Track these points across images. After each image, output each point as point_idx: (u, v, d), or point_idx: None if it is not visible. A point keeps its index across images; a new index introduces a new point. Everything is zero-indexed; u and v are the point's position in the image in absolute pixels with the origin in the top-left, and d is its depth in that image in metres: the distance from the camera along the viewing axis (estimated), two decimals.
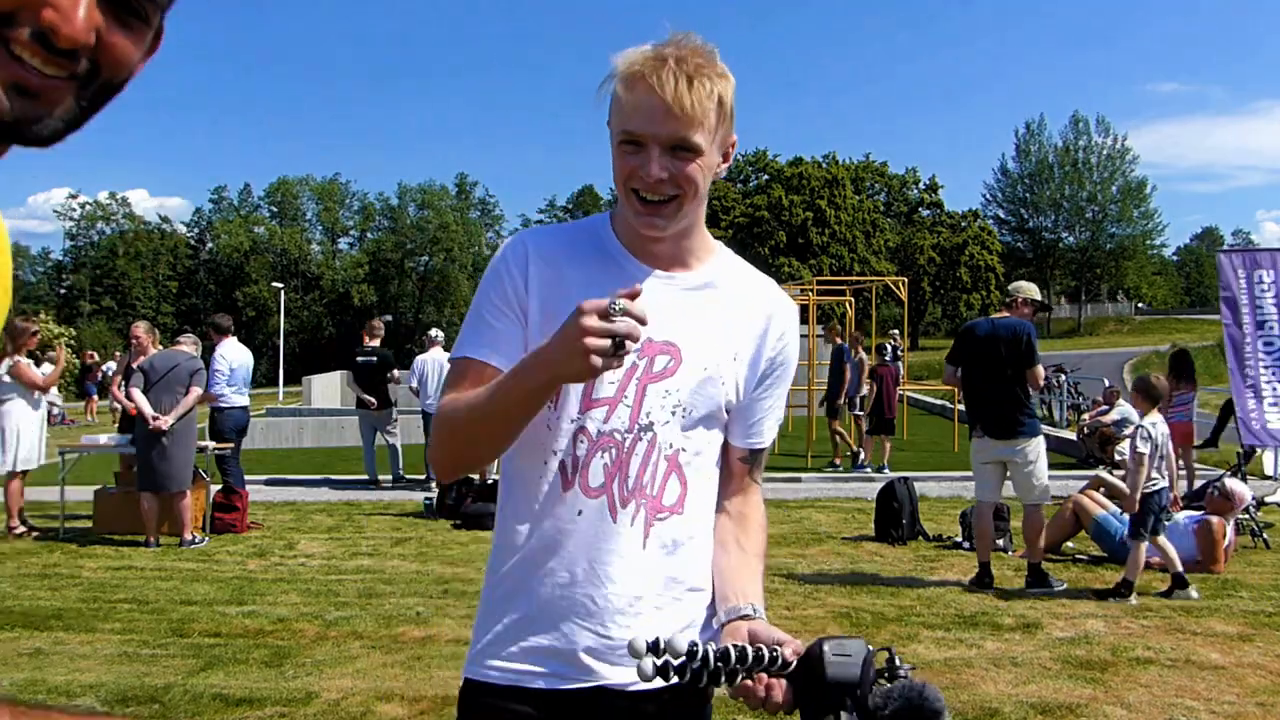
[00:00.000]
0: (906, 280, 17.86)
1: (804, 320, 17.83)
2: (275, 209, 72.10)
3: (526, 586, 1.40)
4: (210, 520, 8.15)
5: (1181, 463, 9.90)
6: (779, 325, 1.52)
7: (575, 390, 1.38)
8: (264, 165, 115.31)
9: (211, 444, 8.53)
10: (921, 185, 68.59)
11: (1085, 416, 13.20)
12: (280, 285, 46.07)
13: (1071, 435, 13.51)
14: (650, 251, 1.44)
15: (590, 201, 74.57)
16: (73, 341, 35.67)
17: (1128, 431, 6.02)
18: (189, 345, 8.06)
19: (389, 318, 34.72)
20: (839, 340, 13.35)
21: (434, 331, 10.81)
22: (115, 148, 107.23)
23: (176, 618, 5.48)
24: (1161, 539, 5.83)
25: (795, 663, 1.20)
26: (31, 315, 9.03)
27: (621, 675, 1.38)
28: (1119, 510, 6.84)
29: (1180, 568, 5.94)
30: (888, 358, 13.48)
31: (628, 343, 1.19)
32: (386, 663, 4.63)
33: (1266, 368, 8.40)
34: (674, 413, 1.41)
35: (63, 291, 68.40)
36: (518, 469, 1.45)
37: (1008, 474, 6.23)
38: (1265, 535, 7.45)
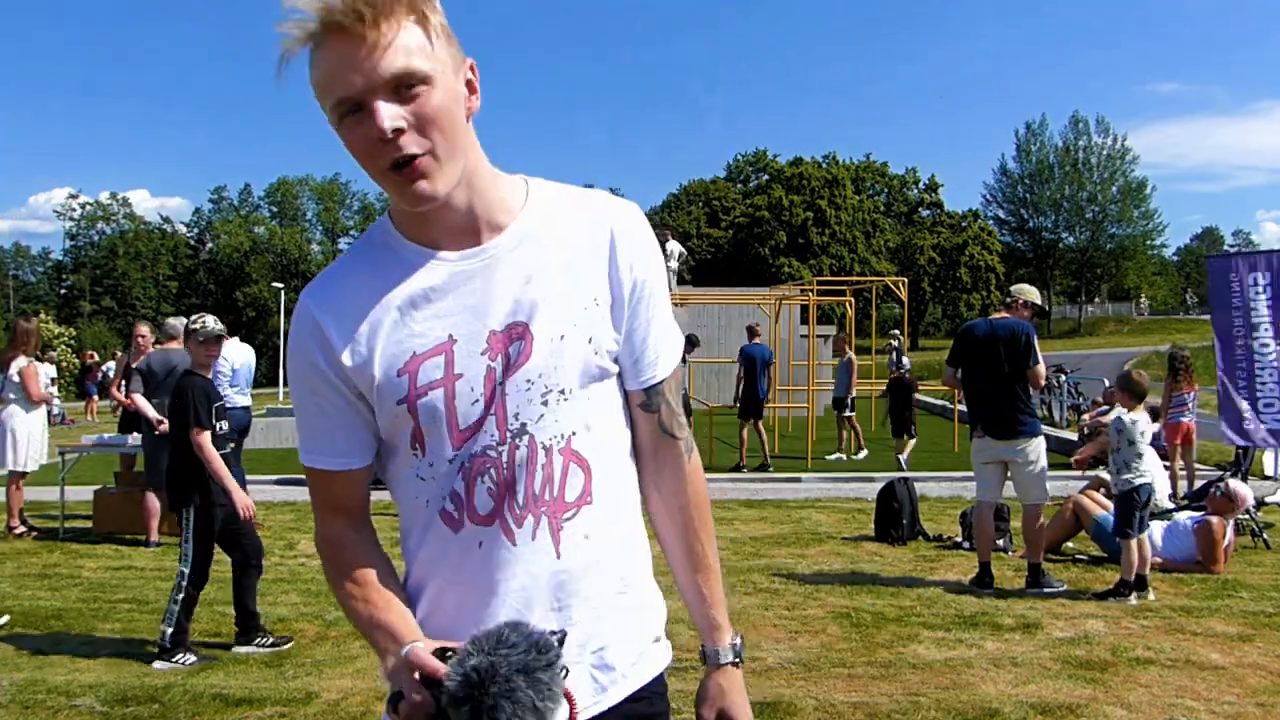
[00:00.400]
0: (906, 280, 17.88)
1: (804, 320, 17.88)
2: (275, 209, 72.14)
3: (449, 636, 1.19)
4: None
5: (1182, 462, 9.93)
6: (625, 241, 1.29)
7: (441, 431, 1.21)
8: (264, 165, 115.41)
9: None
10: (921, 185, 68.65)
11: (1085, 417, 13.20)
12: (280, 285, 46.01)
13: (1072, 435, 13.51)
14: (442, 230, 1.22)
15: None
16: (73, 341, 35.70)
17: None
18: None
19: None
20: (847, 351, 13.41)
21: None
22: (115, 148, 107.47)
23: None
24: (1133, 541, 5.80)
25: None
26: (31, 315, 9.02)
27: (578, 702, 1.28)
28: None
29: (1135, 573, 5.85)
30: (904, 369, 13.53)
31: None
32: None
33: (1261, 369, 8.41)
34: (545, 401, 1.22)
35: (63, 291, 68.43)
36: (406, 521, 1.29)
37: (1008, 474, 6.23)
38: (1265, 535, 7.45)
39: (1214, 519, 6.63)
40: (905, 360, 13.72)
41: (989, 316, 6.54)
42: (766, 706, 3.92)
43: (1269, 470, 10.45)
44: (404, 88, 1.11)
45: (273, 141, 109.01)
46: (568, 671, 1.05)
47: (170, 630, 4.71)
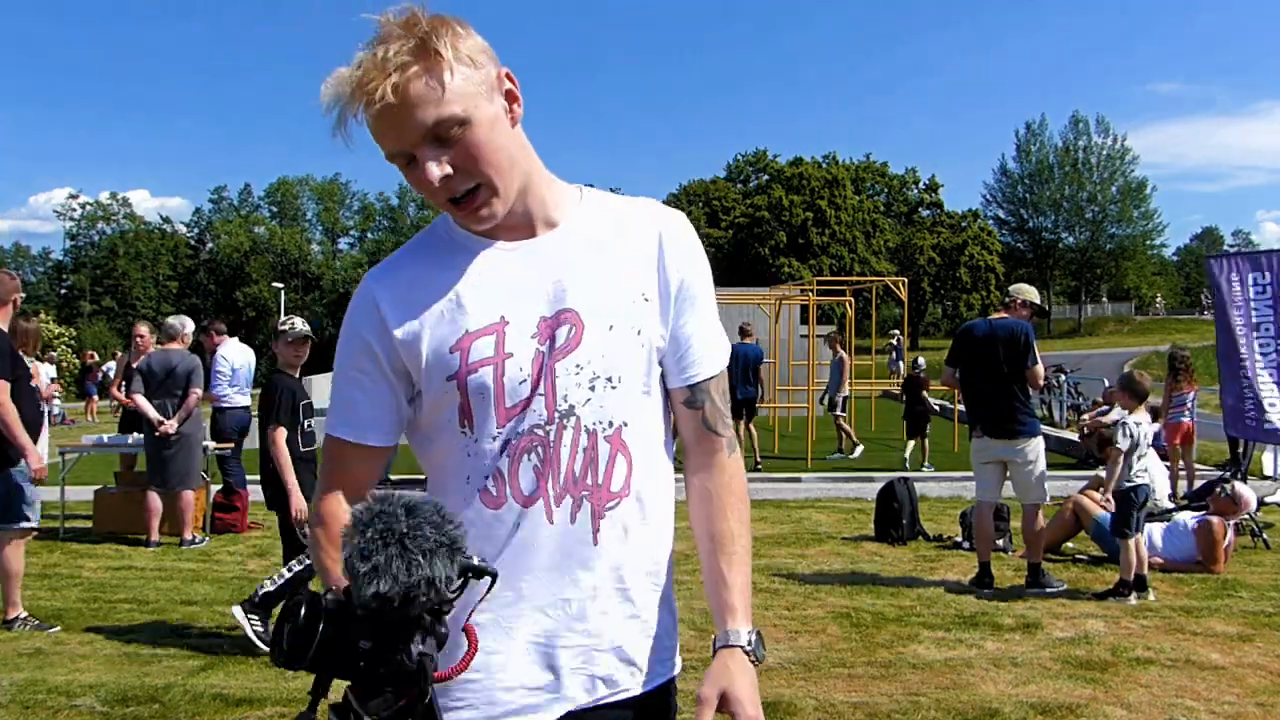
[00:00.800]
0: (906, 280, 17.89)
1: (804, 320, 17.89)
2: (275, 209, 72.12)
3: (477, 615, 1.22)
4: (210, 520, 8.17)
5: (1182, 462, 9.93)
6: (673, 242, 1.36)
7: (489, 406, 1.25)
8: (264, 165, 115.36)
9: (212, 444, 8.54)
10: (921, 185, 68.66)
11: (1085, 417, 13.20)
12: (280, 285, 46.17)
13: (1072, 435, 13.51)
14: (500, 228, 1.29)
15: None
16: (73, 341, 35.70)
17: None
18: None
19: None
20: (840, 350, 13.39)
21: None
22: (115, 148, 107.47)
23: (176, 618, 5.48)
24: (1131, 541, 5.80)
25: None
26: (31, 315, 9.03)
27: (582, 691, 1.31)
28: None
29: (1134, 573, 5.85)
30: (919, 368, 13.52)
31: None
32: None
33: (1263, 369, 8.41)
34: (593, 387, 1.27)
35: (63, 291, 68.44)
36: (443, 495, 1.29)
37: (1007, 474, 6.23)
38: (1265, 535, 7.45)
39: (1214, 519, 6.63)
40: (920, 360, 13.73)
41: (988, 316, 6.54)
42: (766, 706, 3.90)
43: (1269, 470, 10.45)
44: (442, 135, 1.17)
45: (273, 141, 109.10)
46: (492, 579, 1.03)
47: (271, 590, 4.75)
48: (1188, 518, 6.90)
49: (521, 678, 1.28)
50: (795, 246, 60.22)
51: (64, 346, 34.32)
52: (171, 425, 7.40)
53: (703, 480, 1.41)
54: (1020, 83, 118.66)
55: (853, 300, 18.74)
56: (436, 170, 1.18)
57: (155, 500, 7.59)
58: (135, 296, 64.67)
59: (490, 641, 1.26)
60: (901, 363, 24.26)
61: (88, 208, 68.85)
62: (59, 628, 5.30)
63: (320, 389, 21.92)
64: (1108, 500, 6.20)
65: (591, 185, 1.41)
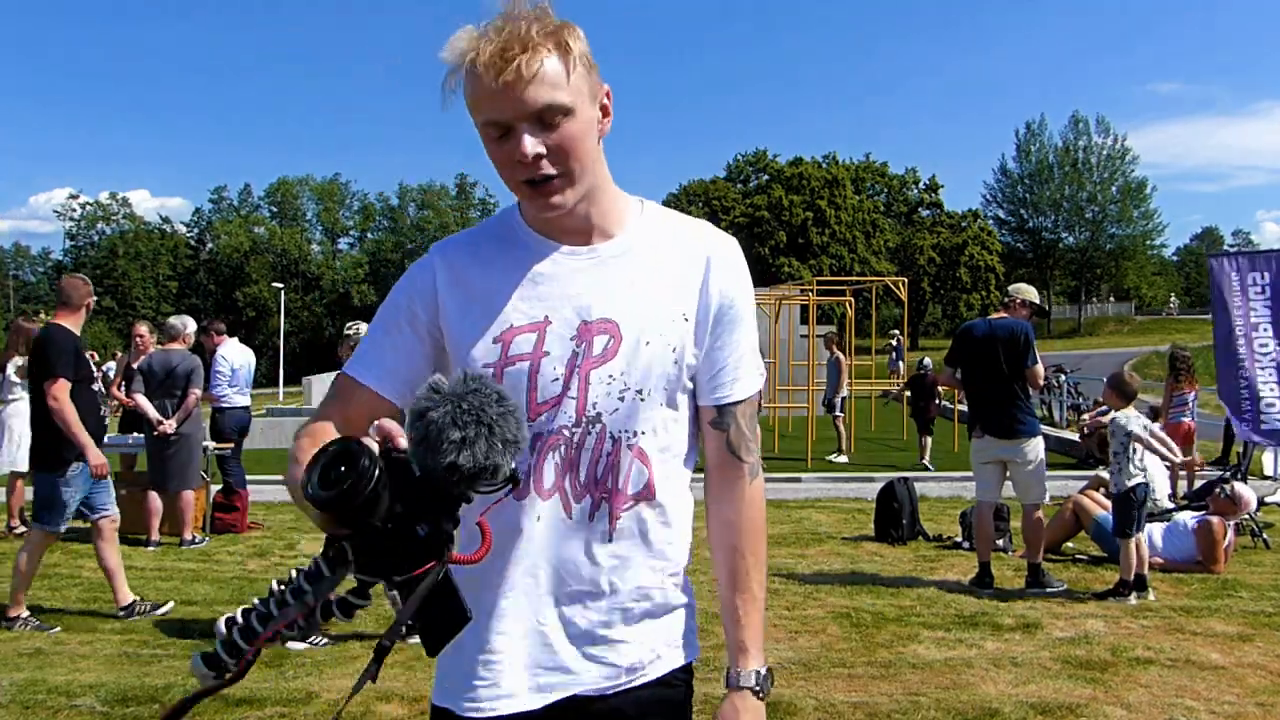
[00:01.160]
0: (906, 280, 17.89)
1: (804, 320, 17.89)
2: (275, 209, 72.13)
3: (486, 603, 1.31)
4: (210, 520, 8.16)
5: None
6: (720, 266, 1.39)
7: (520, 398, 1.29)
8: (264, 165, 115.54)
9: (212, 444, 8.54)
10: (921, 185, 68.65)
11: (1085, 416, 13.20)
12: (280, 285, 46.16)
13: (1072, 435, 13.51)
14: (561, 229, 1.35)
15: None
16: None
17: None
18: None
19: None
20: (836, 350, 13.39)
21: None
22: (115, 148, 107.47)
23: (176, 618, 5.48)
24: (1131, 541, 5.80)
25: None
26: (33, 315, 9.04)
27: (596, 678, 1.34)
28: None
29: (1134, 573, 5.85)
30: (926, 367, 13.54)
31: None
32: (386, 663, 4.60)
33: (1262, 369, 8.41)
34: (622, 398, 1.31)
35: None
36: None
37: (1007, 474, 6.23)
38: (1265, 535, 7.45)
39: (1214, 519, 6.63)
40: (927, 360, 13.76)
41: (988, 317, 6.54)
42: (767, 706, 3.91)
43: (1269, 470, 10.45)
44: (546, 118, 1.23)
45: (273, 141, 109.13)
46: (522, 452, 1.02)
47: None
48: (1188, 518, 6.90)
49: (536, 659, 1.33)
50: (795, 246, 60.22)
51: None
52: (171, 425, 7.41)
53: (723, 510, 1.45)
54: (1020, 83, 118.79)
55: (853, 300, 18.74)
56: (532, 146, 1.23)
57: (155, 500, 7.60)
58: (135, 296, 64.69)
59: (505, 624, 1.32)
60: (901, 363, 24.25)
61: (88, 208, 68.92)
62: (59, 628, 5.30)
63: (320, 390, 21.92)
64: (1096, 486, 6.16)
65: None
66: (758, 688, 1.42)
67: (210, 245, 70.05)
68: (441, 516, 0.98)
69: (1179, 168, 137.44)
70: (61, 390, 5.12)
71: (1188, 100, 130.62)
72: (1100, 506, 6.98)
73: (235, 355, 8.76)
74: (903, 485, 7.79)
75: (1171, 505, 7.93)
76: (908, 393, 13.42)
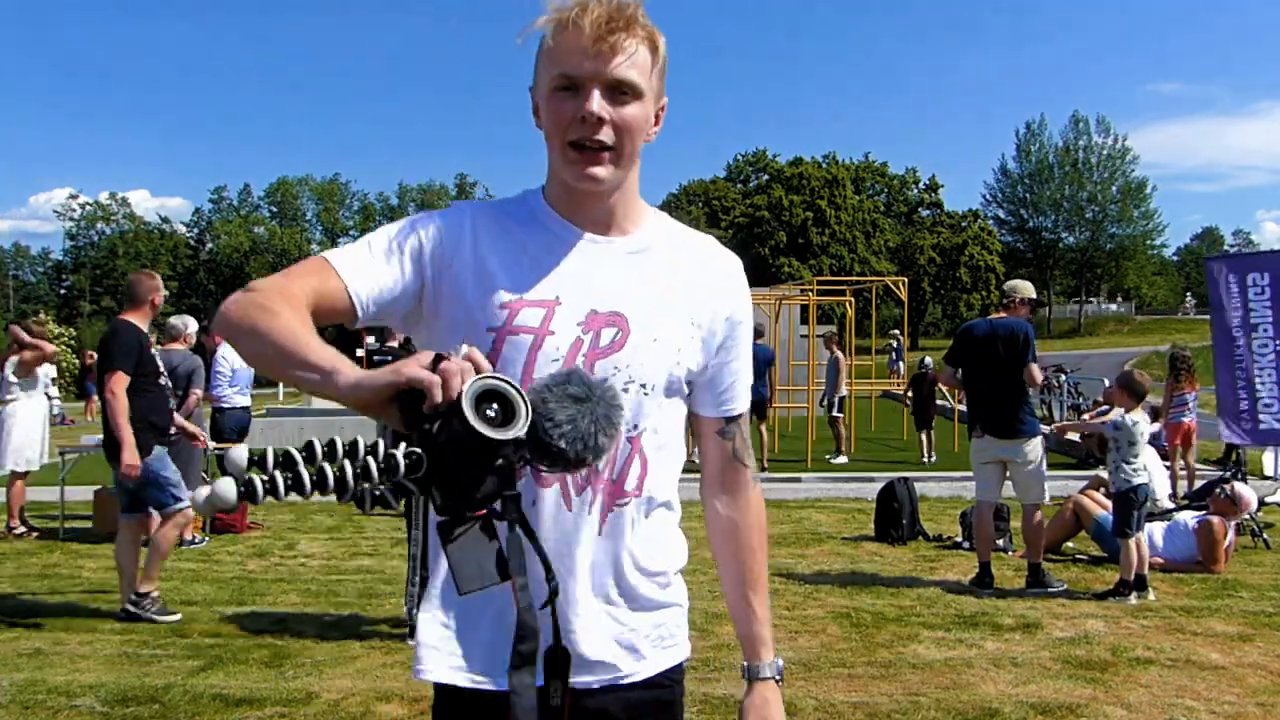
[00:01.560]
0: (906, 280, 17.89)
1: (804, 320, 17.88)
2: (275, 209, 72.13)
3: (481, 584, 1.28)
4: (210, 520, 8.16)
5: (1182, 462, 9.93)
6: (730, 283, 1.45)
7: (514, 370, 1.28)
8: (264, 165, 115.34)
9: (212, 444, 8.53)
10: (921, 185, 68.64)
11: (1085, 417, 13.20)
12: None
13: (1072, 436, 13.50)
14: (584, 215, 1.36)
15: None
16: (73, 341, 35.70)
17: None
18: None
19: None
20: (836, 350, 13.38)
21: None
22: (115, 148, 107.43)
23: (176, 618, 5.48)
24: (1131, 541, 5.80)
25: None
26: (32, 315, 9.07)
27: (586, 673, 1.33)
28: None
29: (1134, 573, 5.85)
30: (927, 366, 13.62)
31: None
32: (386, 663, 4.63)
33: (1261, 369, 8.41)
34: (626, 389, 1.31)
35: (63, 291, 68.42)
36: None
37: (1007, 474, 6.23)
38: (1265, 535, 7.45)
39: (1215, 519, 6.63)
40: (928, 359, 13.80)
41: (988, 316, 6.54)
42: None
43: (1268, 470, 10.45)
44: (619, 92, 1.27)
45: (273, 141, 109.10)
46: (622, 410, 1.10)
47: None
48: (1188, 518, 6.90)
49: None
50: (795, 246, 60.19)
51: (64, 346, 34.33)
52: (171, 426, 7.39)
53: (729, 512, 1.50)
54: (1020, 83, 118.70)
55: (853, 300, 18.73)
56: (600, 107, 1.25)
57: None
58: None
59: (495, 610, 1.29)
60: (901, 363, 24.25)
61: (88, 208, 68.82)
62: (179, 616, 5.41)
63: None
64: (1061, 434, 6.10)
65: None
66: (779, 678, 1.49)
67: (210, 245, 70.01)
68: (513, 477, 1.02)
69: (1179, 168, 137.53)
70: (119, 383, 5.21)
71: (1188, 100, 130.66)
72: (1100, 506, 6.98)
73: (235, 355, 8.73)
74: (903, 485, 7.79)
75: (1171, 505, 7.93)
76: (909, 392, 13.44)
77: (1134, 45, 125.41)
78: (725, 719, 3.78)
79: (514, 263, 1.33)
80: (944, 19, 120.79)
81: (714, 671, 4.29)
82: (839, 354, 13.39)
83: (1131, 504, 5.85)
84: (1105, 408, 11.84)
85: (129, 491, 5.45)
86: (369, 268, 1.30)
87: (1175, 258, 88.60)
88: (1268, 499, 8.94)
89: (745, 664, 1.50)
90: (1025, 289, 6.46)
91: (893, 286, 17.89)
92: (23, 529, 8.02)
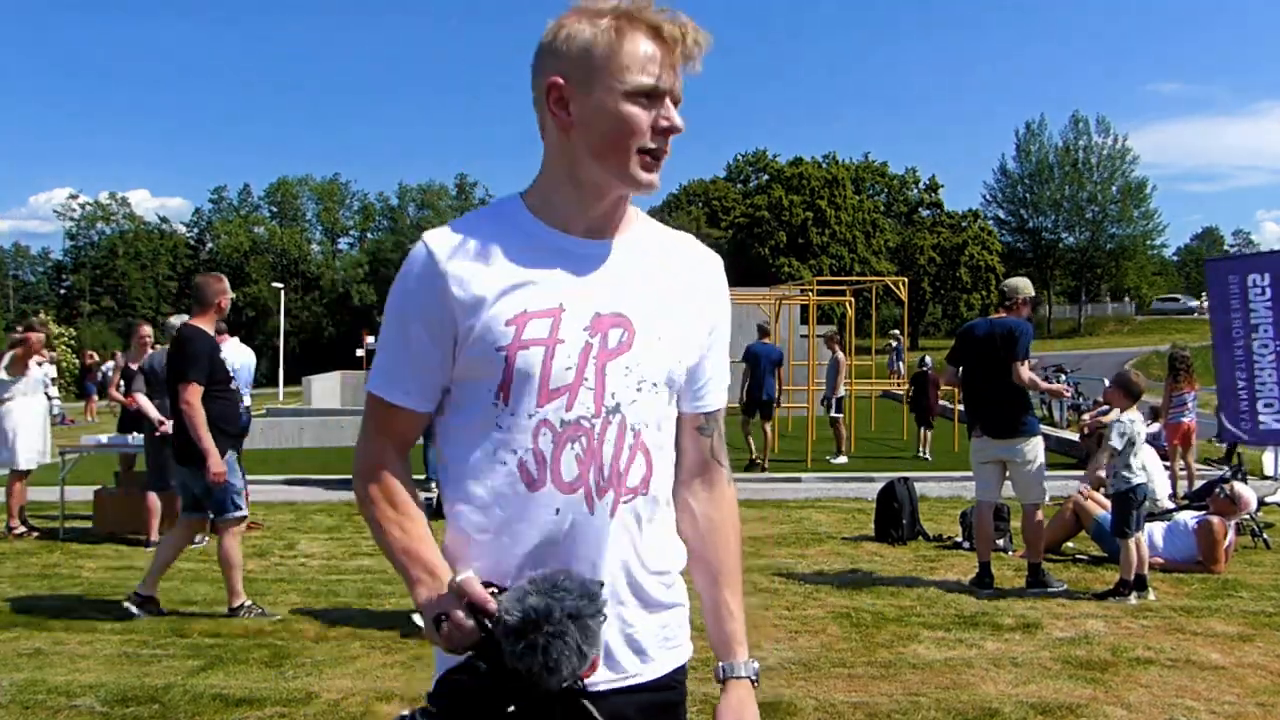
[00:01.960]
0: (906, 280, 17.88)
1: (804, 320, 17.88)
2: (275, 209, 72.14)
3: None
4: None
5: (1182, 462, 9.93)
6: (713, 279, 1.48)
7: (532, 385, 1.29)
8: (264, 165, 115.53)
9: None
10: (921, 185, 68.63)
11: (1085, 416, 13.19)
12: (280, 285, 46.09)
13: (1072, 435, 13.51)
14: (580, 220, 1.36)
15: None
16: (73, 341, 35.71)
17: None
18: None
19: None
20: (837, 350, 13.38)
21: None
22: (115, 148, 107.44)
23: (176, 618, 5.48)
24: (1131, 541, 5.80)
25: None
26: (33, 315, 9.10)
27: (601, 676, 1.32)
28: None
29: (1134, 573, 5.85)
30: (927, 365, 13.73)
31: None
32: (386, 663, 4.63)
33: (1261, 369, 8.42)
34: (639, 389, 1.34)
35: (63, 291, 68.42)
36: (469, 471, 1.34)
37: (1007, 474, 6.23)
38: (1265, 535, 7.45)
39: (1215, 519, 6.63)
40: (928, 358, 13.82)
41: (989, 317, 6.54)
42: (767, 706, 3.91)
43: (1269, 470, 10.45)
44: (676, 104, 1.33)
45: (273, 141, 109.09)
46: (605, 619, 1.16)
47: None
48: (1188, 518, 6.90)
49: None
50: (795, 246, 60.17)
51: (64, 346, 34.32)
52: (171, 425, 7.40)
53: (707, 510, 1.50)
54: (1020, 83, 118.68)
55: (853, 300, 18.73)
56: (679, 120, 1.32)
57: (154, 500, 7.60)
58: (135, 296, 64.64)
59: None
60: (901, 363, 24.24)
61: (88, 208, 68.86)
62: (280, 615, 5.44)
63: (320, 390, 21.94)
64: (1095, 486, 6.24)
65: None
66: (755, 678, 1.48)
67: (210, 245, 70.04)
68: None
69: (1179, 168, 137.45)
70: (194, 394, 5.24)
71: (1188, 100, 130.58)
72: (1100, 506, 6.98)
73: (235, 355, 8.72)
74: (903, 485, 7.79)
75: (1171, 505, 7.93)
76: (910, 389, 13.47)
77: (1134, 45, 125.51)
78: None
79: (510, 279, 1.32)
80: (944, 19, 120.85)
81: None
82: (839, 354, 13.38)
83: (1130, 504, 5.85)
84: (1105, 407, 11.85)
85: (192, 493, 5.51)
86: (406, 375, 1.36)
87: (1175, 258, 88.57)
88: (1268, 499, 8.94)
89: (720, 664, 1.49)
90: (1027, 289, 6.46)
91: (893, 286, 17.89)
92: (23, 529, 8.01)
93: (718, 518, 1.50)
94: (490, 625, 1.14)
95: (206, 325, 5.48)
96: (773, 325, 15.63)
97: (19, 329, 8.44)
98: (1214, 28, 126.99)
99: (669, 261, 1.42)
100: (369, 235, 73.13)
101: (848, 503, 9.66)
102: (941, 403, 15.98)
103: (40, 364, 8.63)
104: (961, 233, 61.20)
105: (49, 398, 9.57)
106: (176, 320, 7.98)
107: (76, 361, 30.65)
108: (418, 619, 1.26)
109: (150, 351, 8.05)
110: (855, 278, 31.62)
